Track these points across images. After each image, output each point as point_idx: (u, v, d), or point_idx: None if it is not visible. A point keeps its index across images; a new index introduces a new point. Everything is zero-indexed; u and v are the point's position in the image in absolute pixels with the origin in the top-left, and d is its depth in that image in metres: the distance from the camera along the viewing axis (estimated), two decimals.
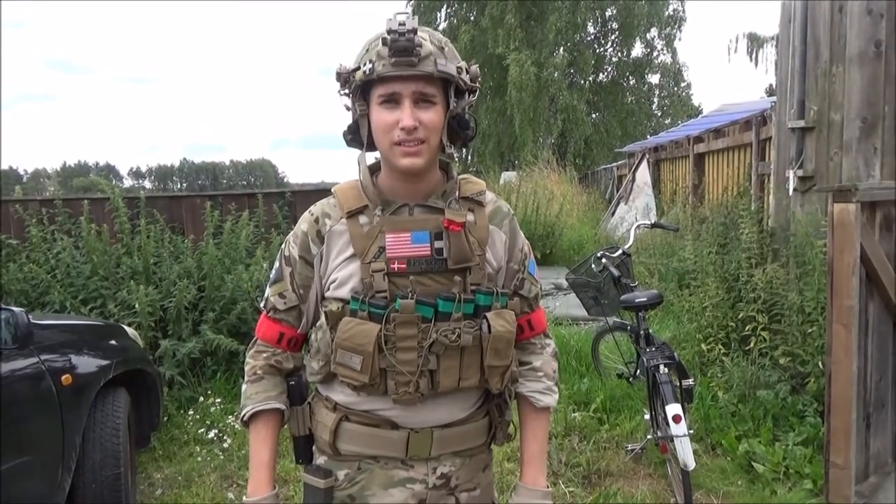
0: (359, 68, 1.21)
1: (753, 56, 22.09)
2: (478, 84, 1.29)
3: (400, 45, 1.15)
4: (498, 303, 1.27)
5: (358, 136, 1.29)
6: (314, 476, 1.32)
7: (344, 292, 1.26)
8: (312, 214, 1.33)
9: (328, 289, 1.29)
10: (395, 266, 1.24)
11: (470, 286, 1.26)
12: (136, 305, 4.17)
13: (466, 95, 1.28)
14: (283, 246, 1.36)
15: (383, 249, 1.24)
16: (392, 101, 1.20)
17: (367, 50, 1.22)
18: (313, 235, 1.30)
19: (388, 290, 1.23)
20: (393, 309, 1.21)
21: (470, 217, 1.30)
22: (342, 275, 1.27)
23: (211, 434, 3.81)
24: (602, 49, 25.46)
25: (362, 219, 1.28)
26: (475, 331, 1.24)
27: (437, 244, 1.26)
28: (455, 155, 1.33)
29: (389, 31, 1.16)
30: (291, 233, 1.36)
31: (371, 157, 1.34)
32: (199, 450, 3.66)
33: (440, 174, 1.34)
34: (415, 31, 1.16)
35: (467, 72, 1.25)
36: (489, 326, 1.24)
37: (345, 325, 1.22)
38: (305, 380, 1.39)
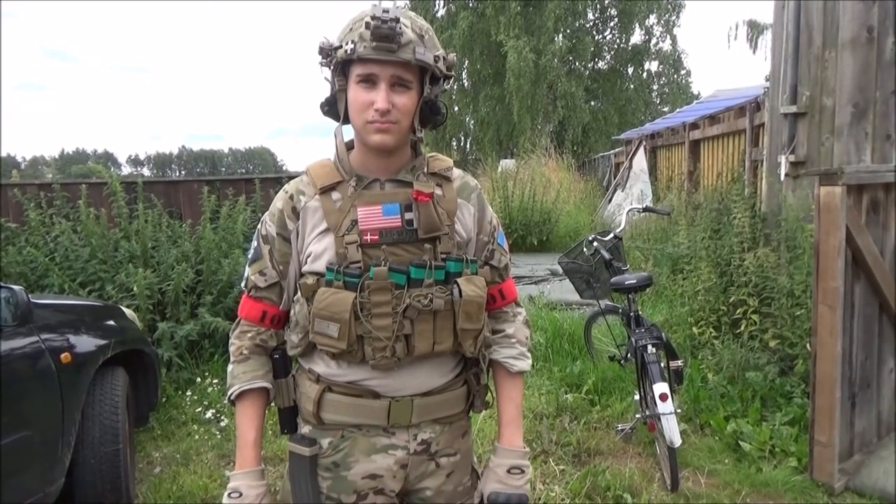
0: (341, 46, 1.26)
1: (753, 43, 22.00)
2: (453, 73, 1.35)
3: (381, 32, 1.20)
4: (468, 269, 1.33)
5: (335, 108, 1.35)
6: (299, 445, 1.36)
7: (319, 266, 1.30)
8: (287, 192, 1.37)
9: (305, 263, 1.34)
10: (368, 237, 1.29)
11: (440, 254, 1.32)
12: (135, 288, 4.22)
13: (441, 82, 1.34)
14: (259, 226, 1.40)
15: (356, 222, 1.30)
16: (369, 81, 1.25)
17: (351, 29, 1.27)
18: (289, 212, 1.35)
19: (361, 261, 1.28)
20: (367, 277, 1.26)
21: (438, 191, 1.36)
22: (317, 248, 1.32)
23: (208, 414, 3.87)
24: (601, 36, 25.37)
25: (335, 195, 1.33)
26: (447, 295, 1.29)
27: (408, 215, 1.31)
28: (423, 136, 1.39)
29: (373, 17, 1.21)
30: (267, 212, 1.40)
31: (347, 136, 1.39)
32: (196, 429, 3.72)
33: (410, 152, 1.39)
34: (397, 20, 1.21)
35: (444, 60, 1.31)
36: (460, 291, 1.29)
37: (321, 295, 1.27)
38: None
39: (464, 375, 1.44)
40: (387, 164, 1.35)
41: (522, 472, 1.40)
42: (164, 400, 3.95)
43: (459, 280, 1.30)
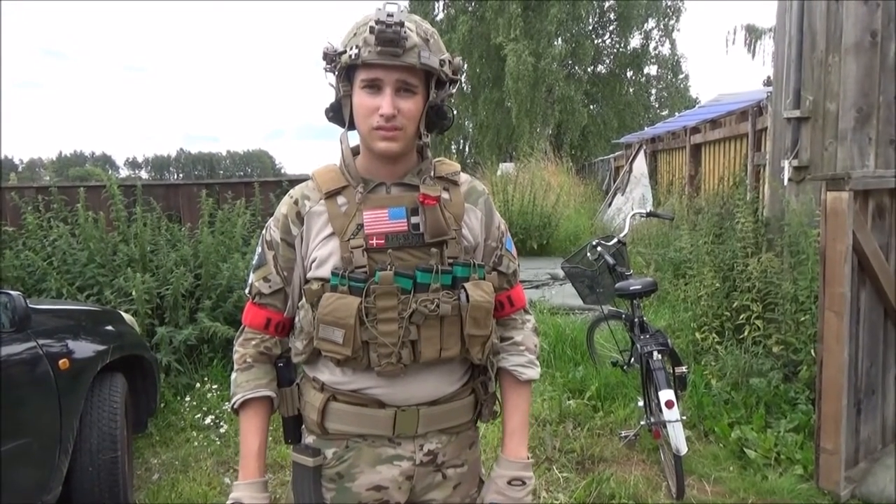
0: (345, 51, 1.24)
1: (751, 48, 22.02)
2: (459, 77, 1.33)
3: (386, 37, 1.18)
4: (475, 274, 1.30)
5: (340, 114, 1.33)
6: (303, 455, 1.34)
7: (324, 271, 1.28)
8: (292, 197, 1.36)
9: (310, 268, 1.32)
10: (374, 242, 1.27)
11: (447, 259, 1.29)
12: (133, 293, 4.18)
13: (447, 86, 1.32)
14: (263, 232, 1.39)
15: (361, 226, 1.28)
16: (374, 86, 1.24)
17: (355, 34, 1.25)
18: (293, 217, 1.33)
19: (367, 265, 1.26)
20: (373, 282, 1.24)
21: (445, 195, 1.34)
22: (322, 253, 1.30)
23: (207, 420, 3.84)
24: (600, 40, 25.40)
25: (340, 199, 1.31)
26: (454, 300, 1.27)
27: (414, 219, 1.29)
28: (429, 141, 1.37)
29: (377, 22, 1.19)
30: (272, 218, 1.38)
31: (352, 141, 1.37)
32: (195, 435, 3.68)
33: (416, 156, 1.37)
34: (401, 24, 1.19)
35: (450, 64, 1.29)
36: (467, 296, 1.27)
37: (326, 300, 1.25)
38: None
39: (471, 384, 1.41)
40: (392, 170, 1.33)
41: (524, 483, 1.37)
42: (162, 406, 3.91)
43: (467, 285, 1.28)
